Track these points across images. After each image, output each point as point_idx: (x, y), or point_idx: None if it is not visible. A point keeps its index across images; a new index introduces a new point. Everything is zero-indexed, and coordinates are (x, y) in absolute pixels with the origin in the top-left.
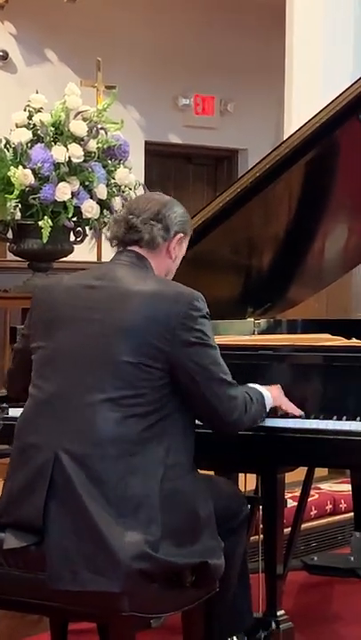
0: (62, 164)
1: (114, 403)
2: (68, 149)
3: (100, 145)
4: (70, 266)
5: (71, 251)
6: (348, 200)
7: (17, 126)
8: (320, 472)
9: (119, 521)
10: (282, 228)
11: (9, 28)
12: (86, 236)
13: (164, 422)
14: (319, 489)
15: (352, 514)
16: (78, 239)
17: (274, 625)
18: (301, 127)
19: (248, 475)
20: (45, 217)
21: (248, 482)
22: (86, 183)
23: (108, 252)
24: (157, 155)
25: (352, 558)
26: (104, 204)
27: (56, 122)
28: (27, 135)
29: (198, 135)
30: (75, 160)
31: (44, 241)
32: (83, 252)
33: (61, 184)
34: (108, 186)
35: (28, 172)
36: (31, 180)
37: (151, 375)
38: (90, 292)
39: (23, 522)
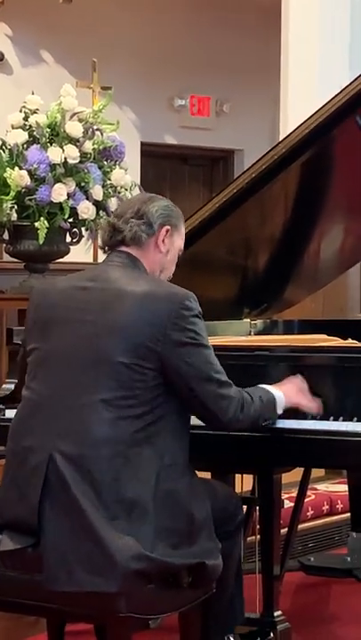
0: (58, 165)
1: (108, 403)
2: (63, 150)
3: (95, 146)
4: (67, 267)
5: (67, 252)
6: (345, 200)
7: (13, 127)
8: (317, 472)
9: (115, 522)
10: (278, 229)
11: (4, 30)
12: (82, 237)
13: (159, 423)
14: (316, 489)
15: (349, 514)
16: (74, 240)
17: (271, 626)
18: (298, 127)
19: (245, 475)
20: (41, 218)
21: (245, 483)
22: (82, 184)
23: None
24: (153, 155)
25: (349, 559)
26: (100, 205)
27: (52, 123)
28: (22, 136)
29: (194, 136)
30: (71, 161)
31: (41, 242)
32: (79, 253)
33: (57, 185)
34: (104, 187)
35: (24, 173)
36: (27, 181)
37: (144, 376)
38: (83, 293)
39: (18, 523)
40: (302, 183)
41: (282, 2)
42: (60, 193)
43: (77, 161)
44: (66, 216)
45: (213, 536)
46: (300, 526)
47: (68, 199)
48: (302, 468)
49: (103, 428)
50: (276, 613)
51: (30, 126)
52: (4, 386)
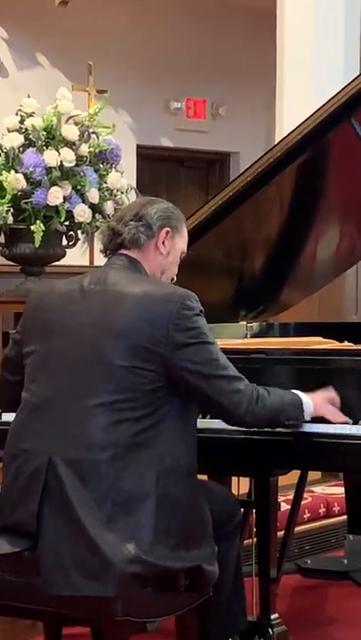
0: (54, 168)
1: (107, 407)
2: (59, 154)
3: (91, 149)
4: (63, 270)
5: (63, 255)
6: (340, 203)
7: (9, 131)
8: (313, 475)
9: (112, 525)
10: (274, 232)
11: (0, 33)
12: (78, 240)
13: (160, 426)
14: (312, 492)
15: (345, 517)
16: (70, 243)
17: (268, 628)
18: (293, 130)
19: (241, 478)
20: (38, 221)
21: (241, 485)
22: (78, 187)
23: (101, 256)
24: (149, 158)
25: (345, 561)
26: (96, 208)
27: (48, 126)
28: (18, 140)
29: (190, 138)
30: (67, 164)
31: (37, 245)
32: (75, 257)
33: (53, 188)
34: (100, 190)
35: (20, 176)
36: (23, 184)
37: (144, 378)
38: (83, 296)
39: (17, 526)
40: (298, 186)
41: (277, 5)
42: (56, 196)
43: (73, 164)
44: (62, 219)
45: (211, 540)
46: (297, 529)
47: (64, 202)
48: (299, 471)
49: (102, 430)
50: (273, 616)
51: (26, 129)
52: None
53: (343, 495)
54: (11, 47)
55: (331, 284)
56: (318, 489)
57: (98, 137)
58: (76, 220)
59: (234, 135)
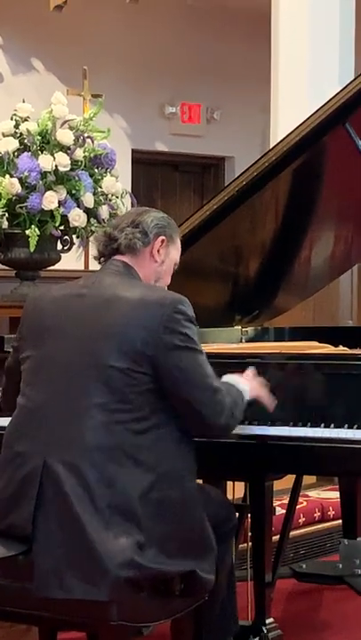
0: (49, 172)
1: (102, 409)
2: (54, 158)
3: (86, 154)
4: (58, 274)
5: (58, 259)
6: (335, 208)
7: (3, 135)
8: (308, 479)
9: (107, 528)
10: (269, 236)
11: None
12: (73, 244)
13: (156, 430)
14: (307, 496)
15: (340, 521)
16: (65, 248)
17: (263, 633)
18: (288, 135)
19: (236, 482)
20: (32, 226)
21: (236, 490)
22: (73, 192)
23: (95, 261)
24: (144, 163)
25: (340, 565)
26: (91, 213)
27: (43, 131)
28: (13, 144)
29: (185, 143)
30: (61, 169)
31: (32, 250)
32: (70, 261)
33: (48, 193)
34: (94, 194)
35: (15, 181)
36: (18, 189)
37: (139, 381)
38: (78, 300)
39: (11, 530)
40: (293, 190)
41: (272, 9)
42: (50, 201)
43: (68, 169)
44: (57, 224)
45: (210, 546)
46: (292, 533)
47: (58, 207)
48: (294, 475)
49: (97, 433)
50: (267, 621)
51: (21, 134)
52: None
53: (338, 500)
54: (5, 52)
55: (326, 288)
56: (313, 493)
57: (93, 141)
58: (71, 225)
59: (229, 140)
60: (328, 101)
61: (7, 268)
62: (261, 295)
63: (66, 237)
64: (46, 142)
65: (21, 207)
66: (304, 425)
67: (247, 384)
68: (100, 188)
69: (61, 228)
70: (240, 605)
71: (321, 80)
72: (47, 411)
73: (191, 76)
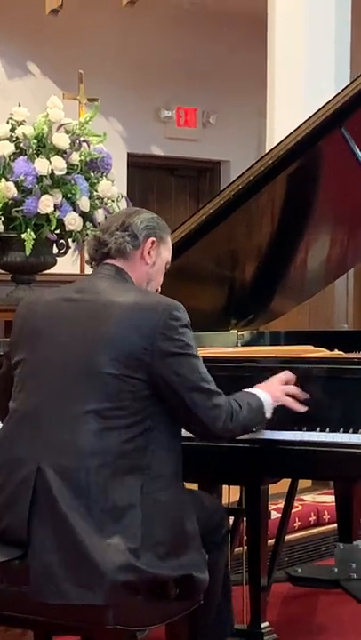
0: (45, 176)
1: (96, 414)
2: (50, 162)
3: (82, 157)
4: (53, 278)
5: (54, 263)
6: (331, 212)
7: None
8: (303, 483)
9: (101, 533)
10: (265, 240)
11: None
12: (69, 248)
13: (148, 434)
14: (303, 500)
15: (335, 525)
16: (61, 251)
17: (258, 637)
18: (284, 139)
19: (232, 486)
20: (28, 230)
21: (232, 494)
22: (69, 196)
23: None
24: (140, 167)
25: (336, 569)
26: (87, 217)
27: (39, 135)
28: (9, 148)
29: (181, 147)
30: (57, 173)
31: (27, 254)
32: (66, 265)
33: (44, 197)
34: (90, 198)
35: (11, 184)
36: (14, 192)
37: (133, 387)
38: (70, 305)
39: (6, 535)
40: (289, 194)
41: (268, 13)
42: (46, 204)
43: (64, 172)
44: (53, 227)
45: (201, 548)
46: (288, 537)
47: (54, 211)
48: (289, 479)
49: (91, 438)
50: (263, 624)
51: (17, 138)
52: None
53: (334, 503)
54: (1, 56)
55: (321, 292)
56: (309, 497)
57: (89, 145)
58: (66, 229)
59: (224, 144)
60: (324, 105)
61: (3, 271)
62: (257, 299)
63: (62, 241)
64: (42, 146)
65: (17, 211)
66: (300, 429)
67: (268, 393)
68: (96, 191)
69: (57, 231)
70: (235, 609)
71: (317, 84)
72: (40, 416)
73: (187, 79)
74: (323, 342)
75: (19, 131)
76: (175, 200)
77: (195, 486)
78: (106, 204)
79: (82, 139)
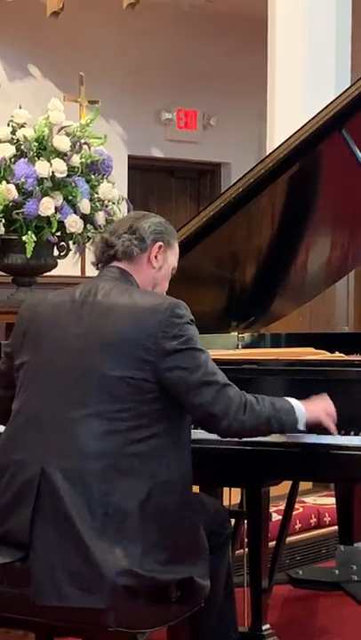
0: (46, 179)
1: (99, 416)
2: (51, 164)
3: (83, 160)
4: (54, 280)
5: (55, 265)
6: (331, 214)
7: (0, 141)
8: (304, 485)
9: (104, 536)
10: (265, 242)
11: None
12: (70, 250)
13: (152, 438)
14: (304, 502)
15: (336, 527)
16: (62, 254)
17: (259, 639)
18: (285, 141)
19: (233, 489)
20: (29, 232)
21: (233, 496)
22: (70, 198)
23: (92, 267)
24: (140, 169)
25: (337, 572)
26: (87, 219)
27: (39, 137)
28: (10, 150)
29: (181, 149)
30: (58, 175)
31: (28, 256)
32: (67, 267)
33: (45, 199)
34: (91, 200)
35: (12, 187)
36: (15, 195)
37: (138, 389)
38: (74, 307)
39: (8, 537)
40: (290, 197)
41: (268, 15)
42: (47, 207)
43: (65, 175)
44: (53, 230)
45: (205, 553)
46: (289, 539)
47: (55, 213)
48: (290, 482)
49: (95, 441)
50: (264, 627)
51: (18, 140)
52: None
53: (334, 506)
54: (2, 58)
55: (322, 294)
56: (310, 499)
57: (89, 147)
58: (67, 231)
59: (225, 146)
60: (325, 108)
61: (4, 274)
62: (258, 301)
63: (62, 243)
64: (43, 148)
65: (18, 213)
66: (300, 431)
67: (304, 405)
68: (97, 194)
69: (58, 234)
70: (237, 612)
71: (318, 87)
72: (43, 418)
73: (188, 82)
74: (323, 344)
75: (19, 133)
76: (176, 202)
77: (196, 489)
78: (106, 206)
79: (82, 141)
